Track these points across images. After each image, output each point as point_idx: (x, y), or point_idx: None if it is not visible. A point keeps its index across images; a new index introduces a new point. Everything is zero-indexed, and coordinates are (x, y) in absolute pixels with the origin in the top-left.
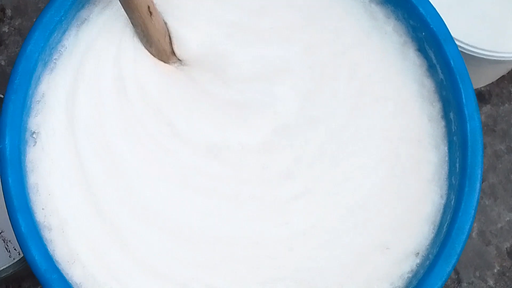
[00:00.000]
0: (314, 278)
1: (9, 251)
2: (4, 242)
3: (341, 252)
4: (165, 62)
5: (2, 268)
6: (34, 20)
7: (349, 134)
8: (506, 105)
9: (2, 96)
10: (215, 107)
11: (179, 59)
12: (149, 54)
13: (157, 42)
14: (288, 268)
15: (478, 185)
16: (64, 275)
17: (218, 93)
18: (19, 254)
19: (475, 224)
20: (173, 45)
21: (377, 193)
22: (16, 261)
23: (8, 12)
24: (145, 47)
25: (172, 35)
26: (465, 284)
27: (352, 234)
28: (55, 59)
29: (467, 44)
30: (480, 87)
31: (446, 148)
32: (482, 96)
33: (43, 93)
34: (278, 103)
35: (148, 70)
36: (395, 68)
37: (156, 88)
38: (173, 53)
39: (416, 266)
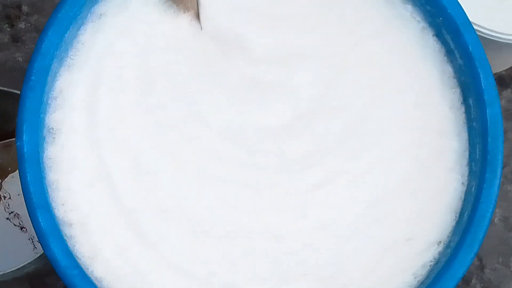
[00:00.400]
0: (336, 273)
1: (35, 247)
2: (29, 237)
3: (363, 245)
4: (197, 17)
5: (26, 263)
6: None
7: (370, 125)
8: None
9: (19, 92)
10: (236, 86)
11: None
12: (174, 39)
13: None
14: (309, 264)
15: (499, 171)
16: (85, 270)
17: (239, 70)
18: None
19: (497, 210)
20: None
21: (400, 185)
22: (39, 256)
23: (25, 8)
24: (177, 5)
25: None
26: (488, 270)
27: (374, 227)
28: (71, 55)
29: (485, 28)
30: (501, 71)
31: (466, 134)
32: (502, 80)
33: (60, 90)
34: (298, 89)
35: (174, 54)
36: (415, 55)
37: (182, 70)
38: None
39: (438, 254)
